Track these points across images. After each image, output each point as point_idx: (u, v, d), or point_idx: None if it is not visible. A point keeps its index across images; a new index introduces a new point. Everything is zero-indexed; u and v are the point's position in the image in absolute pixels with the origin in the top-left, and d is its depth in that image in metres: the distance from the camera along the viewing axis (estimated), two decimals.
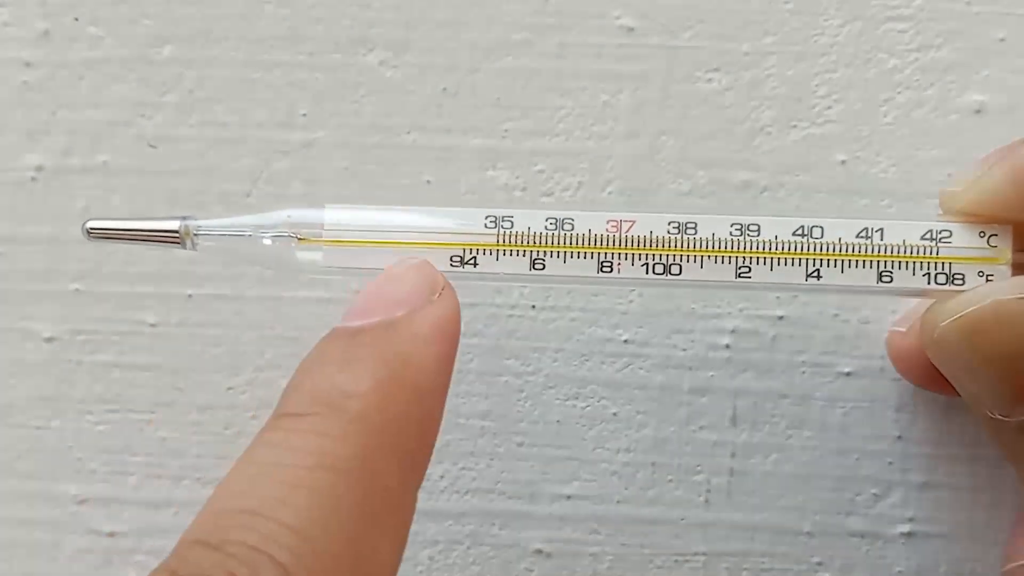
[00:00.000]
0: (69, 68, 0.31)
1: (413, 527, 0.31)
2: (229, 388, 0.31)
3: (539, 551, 0.31)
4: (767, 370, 0.30)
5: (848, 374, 0.30)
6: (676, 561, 0.30)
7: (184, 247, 0.25)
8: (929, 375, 0.27)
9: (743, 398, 0.30)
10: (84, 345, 0.31)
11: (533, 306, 0.30)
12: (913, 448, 0.30)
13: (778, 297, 0.30)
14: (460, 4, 0.31)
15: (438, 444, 0.30)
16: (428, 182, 0.31)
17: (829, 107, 0.30)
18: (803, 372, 0.30)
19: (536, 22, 0.31)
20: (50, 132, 0.31)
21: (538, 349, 0.30)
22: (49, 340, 0.31)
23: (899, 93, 0.30)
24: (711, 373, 0.30)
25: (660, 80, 0.30)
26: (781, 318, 0.30)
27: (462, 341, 0.30)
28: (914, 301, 0.28)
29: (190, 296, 0.31)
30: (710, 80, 0.30)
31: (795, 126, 0.30)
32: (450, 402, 0.30)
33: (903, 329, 0.29)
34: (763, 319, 0.30)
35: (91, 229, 0.25)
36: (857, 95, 0.30)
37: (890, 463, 0.30)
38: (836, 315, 0.30)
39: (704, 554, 0.30)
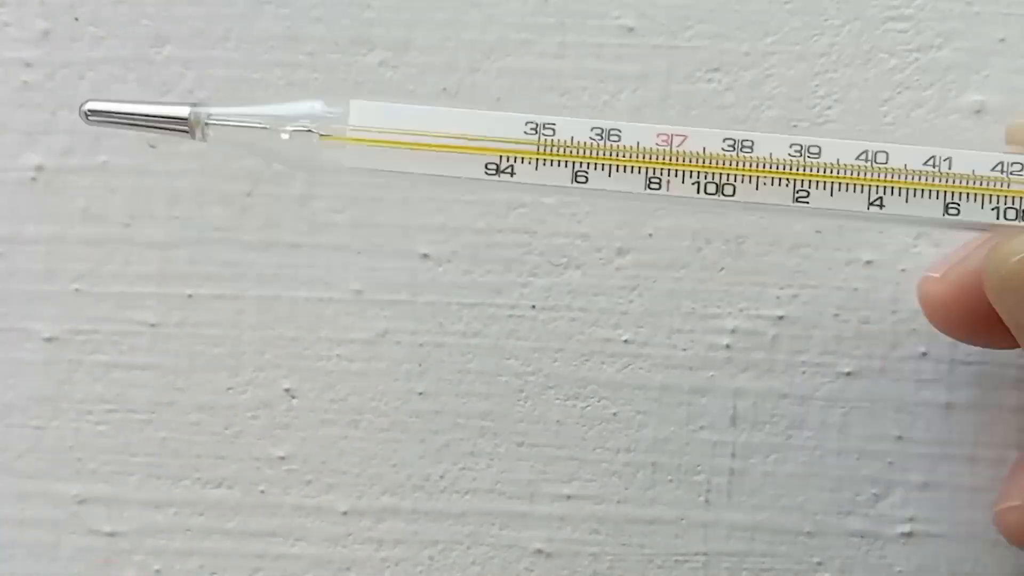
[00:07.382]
0: (69, 68, 0.31)
1: (413, 527, 0.31)
2: (229, 388, 0.31)
3: (539, 551, 0.31)
4: (767, 370, 0.30)
5: (848, 374, 0.30)
6: (676, 561, 0.30)
7: (193, 137, 0.23)
8: (965, 323, 0.25)
9: (743, 398, 0.30)
10: (84, 345, 0.31)
11: (533, 306, 0.30)
12: (913, 448, 0.30)
13: (778, 297, 0.30)
14: (460, 4, 0.31)
15: (438, 444, 0.31)
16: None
17: (829, 107, 0.30)
18: (803, 372, 0.30)
19: (536, 22, 0.31)
20: (50, 132, 0.31)
21: (538, 349, 0.30)
22: (49, 340, 0.31)
23: (899, 93, 0.30)
24: (711, 373, 0.30)
25: (660, 80, 0.30)
26: (781, 318, 0.30)
27: (462, 341, 0.31)
28: (949, 249, 0.27)
29: (190, 296, 0.31)
30: (710, 80, 0.30)
31: (795, 126, 0.30)
32: (450, 402, 0.31)
33: (937, 275, 0.27)
34: (763, 319, 0.30)
35: (90, 111, 0.23)
36: (857, 95, 0.30)
37: (890, 463, 0.30)
38: (836, 315, 0.30)
39: (704, 554, 0.30)
